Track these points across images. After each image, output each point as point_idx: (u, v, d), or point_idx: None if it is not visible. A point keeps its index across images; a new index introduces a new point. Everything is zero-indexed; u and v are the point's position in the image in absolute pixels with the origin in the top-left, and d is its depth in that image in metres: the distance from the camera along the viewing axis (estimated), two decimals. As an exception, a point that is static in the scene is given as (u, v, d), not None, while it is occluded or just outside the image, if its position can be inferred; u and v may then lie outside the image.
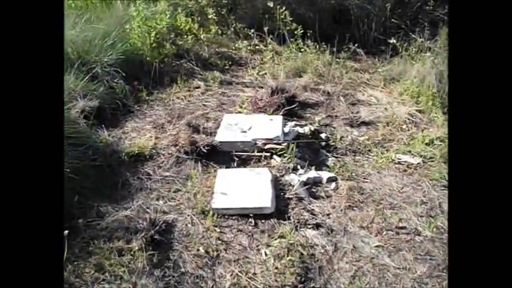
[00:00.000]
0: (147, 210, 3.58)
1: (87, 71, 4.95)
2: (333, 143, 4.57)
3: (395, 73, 5.79)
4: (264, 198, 3.61)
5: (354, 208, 3.72)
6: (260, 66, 6.07)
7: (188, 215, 3.57)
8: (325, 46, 6.02)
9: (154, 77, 5.51)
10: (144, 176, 3.98)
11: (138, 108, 5.01)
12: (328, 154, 4.40)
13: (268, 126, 4.42)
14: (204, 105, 5.10)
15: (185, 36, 6.34)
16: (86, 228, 3.31)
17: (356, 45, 6.12)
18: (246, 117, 4.62)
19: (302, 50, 6.07)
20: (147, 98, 5.18)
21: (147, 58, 5.67)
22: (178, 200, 3.74)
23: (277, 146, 4.20)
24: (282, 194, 3.79)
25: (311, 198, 3.79)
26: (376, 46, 6.69)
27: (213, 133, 4.42)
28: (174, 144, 4.23)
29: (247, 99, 5.18)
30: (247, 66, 6.05)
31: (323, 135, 4.64)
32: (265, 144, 4.22)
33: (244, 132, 4.35)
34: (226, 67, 6.04)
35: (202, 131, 4.41)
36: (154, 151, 4.23)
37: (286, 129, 4.40)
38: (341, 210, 3.70)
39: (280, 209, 3.64)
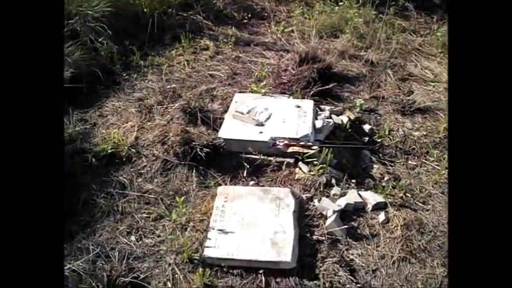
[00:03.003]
0: (110, 254, 2.17)
1: (61, 27, 3.36)
2: (379, 140, 2.99)
3: (458, 37, 3.99)
4: (282, 246, 2.13)
5: (412, 260, 2.23)
6: (286, 21, 4.30)
7: (169, 265, 2.14)
8: (367, -3, 4.19)
9: (152, 34, 3.83)
10: (117, 189, 2.50)
11: (126, 77, 3.41)
12: (372, 157, 2.84)
13: (294, 117, 2.82)
14: (211, 75, 3.47)
15: (197, -20, 4.55)
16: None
17: (405, -3, 4.27)
18: (265, 101, 3.00)
19: (339, 2, 4.27)
20: (140, 63, 3.54)
21: (145, 10, 3.94)
22: (159, 236, 2.29)
23: (305, 150, 2.66)
24: (308, 233, 2.30)
25: (350, 240, 2.30)
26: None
27: (218, 122, 2.86)
28: (162, 141, 2.70)
29: (268, 69, 3.54)
30: (271, 21, 4.29)
31: (366, 128, 3.04)
32: (288, 146, 2.67)
33: (260, 125, 2.79)
34: (244, 21, 4.29)
35: (202, 120, 2.86)
36: (134, 150, 2.71)
37: (319, 123, 2.81)
38: (393, 263, 2.22)
39: (305, 262, 2.16)
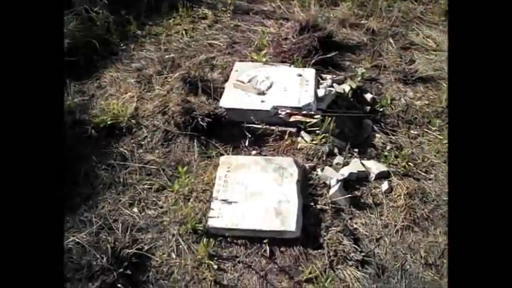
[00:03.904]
0: (113, 226, 2.11)
1: (54, -5, 3.18)
2: (381, 109, 2.90)
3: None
4: (286, 216, 2.08)
5: (416, 229, 2.19)
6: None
7: (173, 236, 2.09)
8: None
9: (149, 3, 3.64)
10: (118, 161, 2.41)
11: (123, 47, 3.26)
12: (374, 127, 2.76)
13: (296, 85, 2.72)
14: (210, 44, 3.33)
15: None
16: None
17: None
18: (266, 69, 2.89)
19: (340, -32, 4.09)
20: (137, 32, 3.39)
21: (141, -24, 3.77)
22: (161, 207, 2.23)
23: (308, 119, 2.57)
24: (312, 203, 2.24)
25: (353, 209, 2.25)
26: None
27: (218, 91, 2.75)
28: (162, 112, 2.60)
29: (268, 37, 3.40)
30: (270, -12, 4.14)
31: (368, 97, 2.95)
32: (290, 115, 2.57)
33: (262, 94, 2.68)
34: (244, -12, 4.12)
35: (202, 90, 2.74)
36: (134, 121, 2.60)
37: (321, 92, 2.70)
38: (396, 231, 2.18)
39: (309, 231, 2.11)
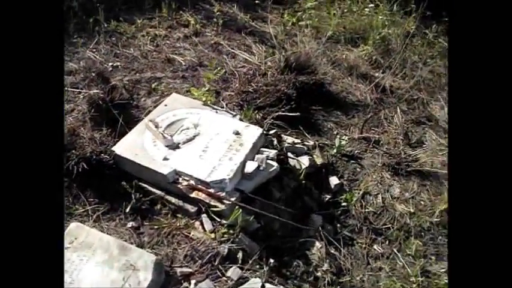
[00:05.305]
0: None
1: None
2: (344, 203, 2.05)
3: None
4: None
5: None
6: (306, 12, 3.28)
7: None
8: (413, 5, 3.03)
9: (131, -6, 3.05)
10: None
11: (74, 41, 2.64)
12: (322, 230, 1.91)
13: (223, 148, 1.92)
14: (169, 60, 2.59)
15: None
16: None
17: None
18: (201, 113, 2.11)
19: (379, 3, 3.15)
20: (101, 27, 2.74)
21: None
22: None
23: (212, 202, 1.79)
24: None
25: None
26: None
27: (135, 125, 2.07)
28: (42, 138, 1.99)
29: (242, 66, 2.63)
30: (288, 7, 3.32)
31: (333, 181, 2.10)
32: (192, 189, 1.82)
33: (174, 147, 1.95)
34: (257, 1, 3.34)
35: (111, 120, 2.07)
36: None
37: (251, 165, 1.89)
38: None
39: None
